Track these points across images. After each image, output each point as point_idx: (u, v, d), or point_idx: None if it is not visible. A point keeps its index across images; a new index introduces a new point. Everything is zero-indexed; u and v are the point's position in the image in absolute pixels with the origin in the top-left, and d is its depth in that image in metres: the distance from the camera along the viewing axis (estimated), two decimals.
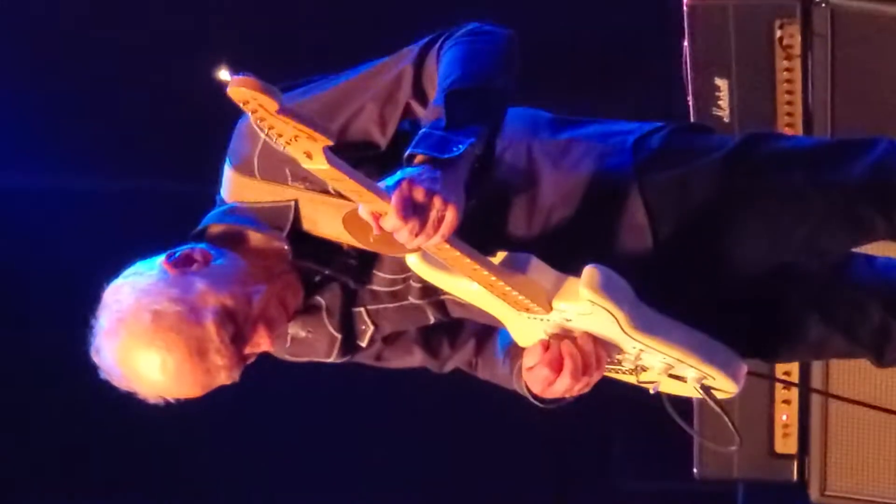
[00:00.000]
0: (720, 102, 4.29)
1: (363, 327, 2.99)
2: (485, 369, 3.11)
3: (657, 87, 4.87)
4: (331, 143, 2.44)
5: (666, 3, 4.35)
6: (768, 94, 4.28)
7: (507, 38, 2.85)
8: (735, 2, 4.18)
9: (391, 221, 2.55)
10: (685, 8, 4.21)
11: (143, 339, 2.74)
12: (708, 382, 2.93)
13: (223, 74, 2.34)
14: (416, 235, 2.56)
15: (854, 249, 3.09)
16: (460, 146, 2.62)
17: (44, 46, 5.37)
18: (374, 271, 2.92)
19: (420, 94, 2.81)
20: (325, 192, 2.81)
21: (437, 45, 2.83)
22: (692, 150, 2.93)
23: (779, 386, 4.54)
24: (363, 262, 2.90)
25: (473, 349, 3.10)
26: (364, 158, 2.76)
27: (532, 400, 2.96)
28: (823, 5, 4.09)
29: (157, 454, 5.51)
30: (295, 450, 5.56)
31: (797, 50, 4.20)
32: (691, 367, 2.89)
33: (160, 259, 2.83)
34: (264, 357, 2.94)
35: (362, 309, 2.96)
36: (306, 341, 3.01)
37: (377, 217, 2.59)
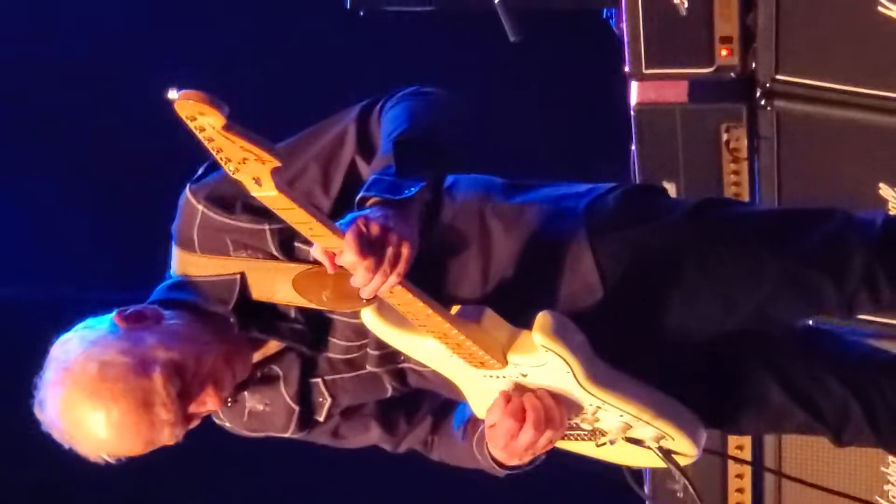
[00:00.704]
0: None
1: (320, 399, 2.96)
2: (441, 446, 3.08)
3: None
4: (279, 164, 2.39)
5: (614, 107, 4.39)
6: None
7: (449, 95, 2.87)
8: (682, 106, 4.23)
9: (347, 257, 2.52)
10: (632, 112, 4.25)
11: (88, 389, 2.70)
12: (666, 444, 2.90)
13: (171, 92, 2.28)
14: (374, 273, 2.53)
15: (816, 322, 3.09)
16: (412, 189, 2.61)
17: None
18: (329, 338, 2.89)
19: (364, 150, 2.80)
20: (271, 257, 2.80)
21: (380, 104, 2.84)
22: (646, 211, 2.93)
23: (732, 489, 4.53)
24: (316, 329, 2.87)
25: (430, 427, 3.07)
26: None
27: (494, 467, 2.93)
28: (769, 109, 4.13)
29: None
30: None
31: (744, 153, 4.24)
32: (648, 424, 2.85)
33: (111, 315, 2.79)
34: None
35: (319, 380, 2.93)
36: (263, 415, 2.98)
37: (332, 256, 2.56)
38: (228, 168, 2.39)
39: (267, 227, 2.78)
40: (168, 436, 2.74)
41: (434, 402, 3.05)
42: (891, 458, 4.31)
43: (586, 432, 2.90)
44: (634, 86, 4.23)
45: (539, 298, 2.80)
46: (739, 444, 4.44)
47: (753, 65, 4.13)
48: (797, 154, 4.17)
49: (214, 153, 2.37)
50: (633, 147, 4.31)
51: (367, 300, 2.65)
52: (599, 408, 2.82)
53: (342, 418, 3.03)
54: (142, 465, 2.84)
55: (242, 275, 2.82)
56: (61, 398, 2.73)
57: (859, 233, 2.91)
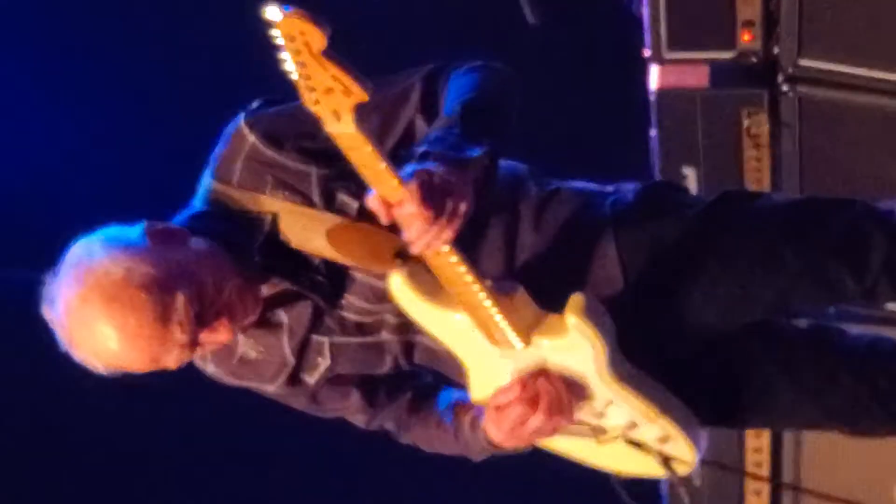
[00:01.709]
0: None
1: (319, 359, 2.91)
2: (416, 428, 3.03)
3: (624, 176, 4.88)
4: (366, 98, 2.35)
5: (634, 92, 4.36)
6: (736, 183, 4.29)
7: (513, 75, 2.88)
8: (702, 91, 4.21)
9: (408, 208, 2.49)
10: (653, 97, 4.23)
11: (110, 292, 2.63)
12: (669, 447, 2.89)
13: (272, 11, 2.23)
14: (431, 224, 2.50)
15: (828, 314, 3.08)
16: (475, 150, 2.61)
17: None
18: (347, 295, 2.85)
19: (426, 109, 2.79)
20: (309, 203, 2.78)
21: (448, 69, 2.83)
22: (668, 205, 2.94)
23: (749, 464, 4.53)
24: (336, 284, 2.84)
25: (407, 405, 3.02)
26: (354, 175, 2.63)
27: (483, 446, 2.91)
28: (791, 94, 4.11)
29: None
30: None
31: (765, 139, 4.22)
32: (654, 423, 2.85)
33: (140, 226, 2.72)
34: None
35: (326, 339, 2.89)
36: (254, 363, 2.92)
37: (388, 205, 2.52)
38: (311, 98, 2.35)
39: (315, 170, 2.75)
40: (175, 357, 2.68)
41: (416, 383, 3.02)
42: None
43: (590, 427, 2.89)
44: (655, 70, 4.21)
45: (560, 286, 2.78)
46: (757, 447, 4.43)
47: (776, 49, 4.11)
48: (819, 140, 4.15)
49: (303, 80, 2.31)
50: (653, 132, 4.29)
51: (403, 261, 2.63)
52: (611, 401, 2.82)
53: (326, 382, 2.96)
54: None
55: (274, 215, 2.78)
56: (77, 296, 2.65)
57: (879, 221, 2.90)
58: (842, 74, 4.04)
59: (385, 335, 2.88)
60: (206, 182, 2.84)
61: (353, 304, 2.85)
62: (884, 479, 4.38)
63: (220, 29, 5.02)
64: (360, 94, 2.34)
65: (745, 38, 4.12)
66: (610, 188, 3.00)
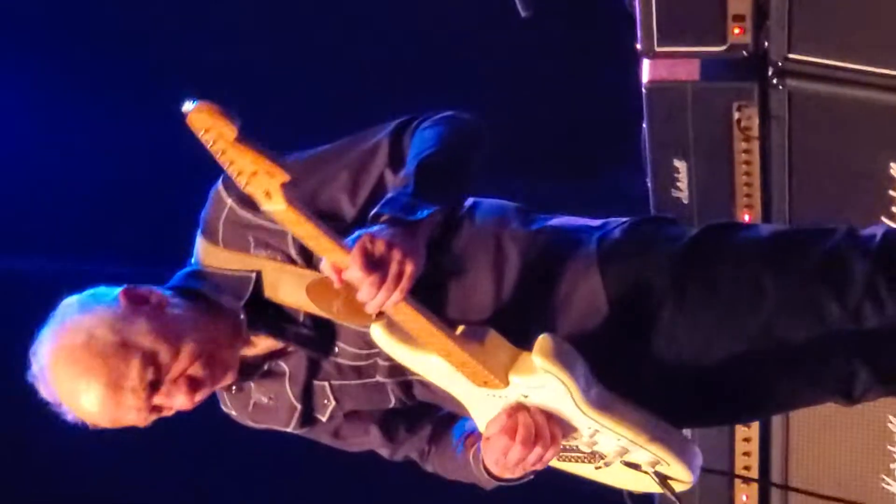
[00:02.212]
0: (679, 184, 4.32)
1: (325, 402, 3.02)
2: (436, 458, 3.14)
3: (616, 168, 4.90)
4: (288, 178, 2.48)
5: (625, 85, 4.38)
6: (727, 176, 4.31)
7: (480, 126, 2.96)
8: (693, 84, 4.21)
9: (352, 272, 2.61)
10: (644, 90, 4.24)
11: (73, 356, 2.81)
12: (662, 469, 2.94)
13: (185, 104, 2.37)
14: (377, 289, 2.62)
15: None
16: (424, 211, 2.71)
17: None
18: (339, 343, 2.95)
19: (395, 164, 2.88)
20: (289, 260, 2.87)
21: (415, 124, 2.93)
22: (654, 239, 2.99)
23: (738, 466, 4.55)
24: (326, 334, 2.94)
25: (428, 437, 3.14)
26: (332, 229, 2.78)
27: (486, 478, 2.99)
28: (781, 88, 4.12)
29: None
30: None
31: (755, 132, 4.23)
32: (644, 449, 2.90)
33: (120, 289, 2.88)
34: None
35: (326, 383, 3.00)
36: (267, 408, 3.05)
37: (339, 270, 2.64)
38: (241, 180, 2.48)
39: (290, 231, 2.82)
40: (134, 419, 2.86)
41: (435, 415, 3.11)
42: None
43: (585, 454, 2.96)
44: (646, 64, 4.21)
45: (547, 319, 2.89)
46: (747, 465, 4.46)
47: (766, 43, 4.12)
48: (809, 133, 4.16)
49: (226, 165, 2.45)
50: (644, 125, 4.30)
51: (376, 316, 2.73)
52: (597, 431, 2.88)
53: (345, 419, 3.09)
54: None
55: (258, 273, 2.90)
56: (49, 353, 2.85)
57: (860, 246, 2.94)
58: (831, 68, 4.05)
59: (380, 378, 2.98)
60: (198, 241, 2.97)
61: (346, 351, 2.96)
62: (871, 475, 4.40)
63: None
64: (282, 176, 2.48)
65: (736, 31, 4.13)
66: (597, 223, 3.05)
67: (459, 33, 5.23)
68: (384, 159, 2.89)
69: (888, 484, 4.37)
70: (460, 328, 2.81)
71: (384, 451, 3.16)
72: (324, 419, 3.05)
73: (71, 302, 2.90)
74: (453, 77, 4.99)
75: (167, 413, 2.90)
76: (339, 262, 2.63)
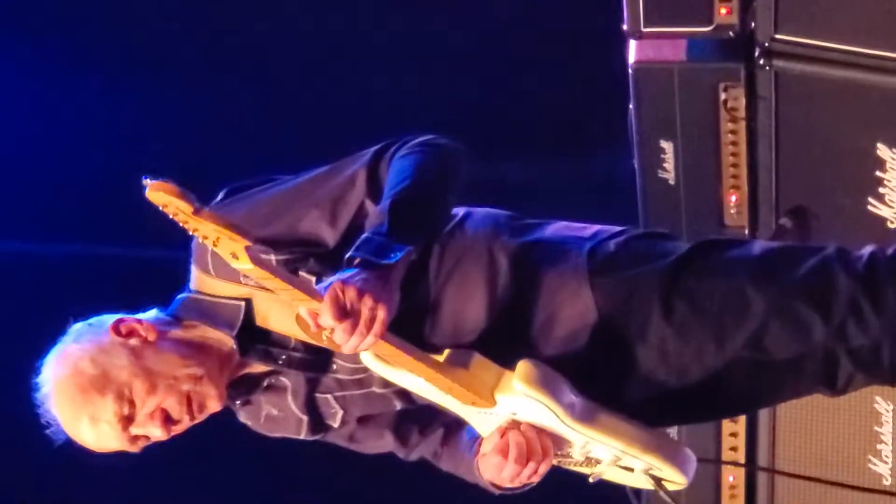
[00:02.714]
0: (665, 165, 4.32)
1: (332, 411, 3.09)
2: (448, 460, 3.18)
3: (603, 150, 4.89)
4: (249, 244, 2.60)
5: (611, 66, 4.37)
6: (713, 157, 4.31)
7: (456, 152, 3.00)
8: (680, 65, 4.21)
9: (325, 320, 2.70)
10: (630, 72, 4.24)
11: (63, 389, 2.98)
12: (655, 473, 3.00)
13: (144, 181, 2.52)
14: (350, 334, 2.70)
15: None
16: (398, 253, 2.76)
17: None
18: (336, 360, 3.02)
19: (373, 193, 2.94)
20: None
21: (392, 150, 2.97)
22: (646, 254, 3.02)
23: (726, 447, 4.55)
24: (319, 354, 3.00)
25: (440, 439, 3.18)
26: (313, 255, 2.91)
27: (488, 487, 3.05)
28: (767, 69, 4.12)
29: None
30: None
31: (742, 113, 4.23)
32: (635, 457, 2.96)
33: (113, 320, 3.02)
34: None
35: (329, 395, 3.06)
36: (277, 419, 3.13)
37: (315, 316, 2.72)
38: (208, 243, 2.60)
39: (273, 256, 2.90)
40: (117, 446, 3.00)
41: (447, 417, 3.13)
42: (884, 417, 4.32)
43: (581, 461, 3.01)
44: (633, 44, 4.21)
45: (538, 332, 2.95)
46: (733, 445, 4.47)
47: (752, 24, 4.12)
48: (795, 114, 4.16)
49: (191, 232, 2.58)
50: (631, 106, 4.29)
51: None
52: (588, 442, 2.94)
53: (358, 424, 3.16)
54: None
55: (248, 301, 2.98)
56: (47, 384, 3.01)
57: (846, 265, 2.96)
58: (817, 48, 4.05)
59: (376, 389, 3.04)
60: (192, 269, 3.05)
61: (343, 366, 3.02)
62: (858, 456, 4.41)
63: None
64: (244, 241, 2.61)
65: (722, 12, 4.12)
66: (588, 232, 3.08)
67: (448, 17, 5.21)
68: (362, 189, 2.95)
69: (875, 465, 4.38)
70: (445, 353, 2.89)
71: (399, 453, 3.23)
72: (336, 425, 3.12)
73: (73, 329, 3.04)
74: (442, 61, 4.98)
75: (157, 439, 3.01)
76: (315, 308, 2.72)
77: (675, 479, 3.01)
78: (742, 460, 4.58)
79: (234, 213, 2.87)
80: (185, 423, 3.00)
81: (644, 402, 2.98)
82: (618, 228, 3.11)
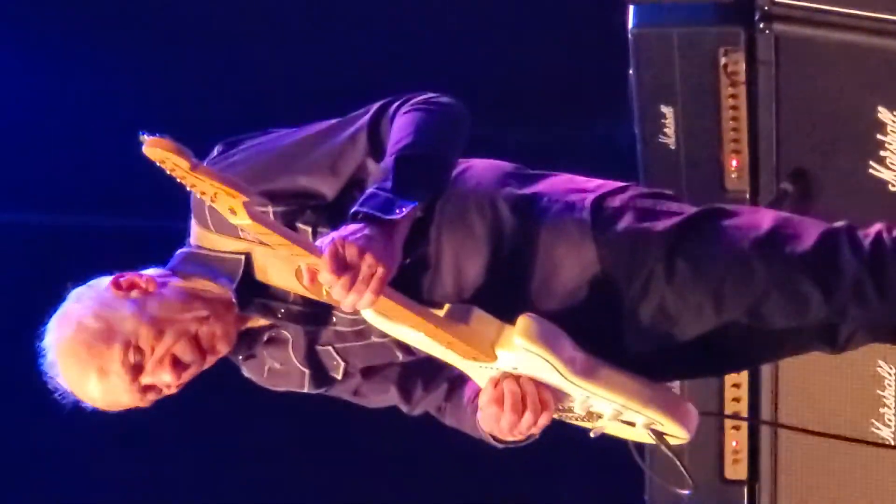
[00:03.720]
0: (666, 130, 4.31)
1: (334, 363, 3.09)
2: (452, 415, 3.20)
3: (603, 116, 4.89)
4: (247, 199, 2.59)
5: (611, 32, 4.36)
6: (714, 122, 4.30)
7: (459, 110, 2.99)
8: (679, 30, 4.20)
9: (324, 276, 2.69)
10: (630, 37, 4.23)
11: (68, 348, 2.98)
12: (657, 428, 3.00)
13: (141, 137, 2.52)
14: (348, 290, 2.69)
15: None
16: (403, 209, 2.75)
17: None
18: (335, 312, 3.01)
19: (374, 152, 2.93)
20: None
21: (393, 108, 2.96)
22: (652, 212, 3.01)
23: (729, 411, 4.56)
24: (319, 307, 3.00)
25: (444, 394, 3.19)
26: (311, 207, 2.92)
27: (490, 441, 3.06)
28: (767, 32, 4.11)
29: None
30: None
31: (742, 77, 4.22)
32: (637, 412, 2.96)
33: (111, 277, 3.04)
34: None
35: (329, 347, 3.06)
36: (280, 373, 3.14)
37: (313, 271, 2.73)
38: (206, 199, 2.60)
39: (271, 209, 2.91)
40: (129, 400, 3.00)
41: (451, 372, 3.13)
42: (886, 381, 4.33)
43: (582, 416, 3.00)
44: (632, 9, 4.20)
45: (541, 285, 2.94)
46: (736, 382, 4.47)
47: None
48: (796, 78, 4.15)
49: (189, 188, 2.57)
50: (631, 71, 4.28)
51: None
52: (589, 397, 2.93)
53: (363, 378, 3.16)
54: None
55: (248, 255, 2.98)
56: (52, 348, 3.01)
57: (852, 244, 2.96)
58: (818, 12, 4.04)
59: (375, 339, 3.03)
60: (191, 224, 3.05)
61: (342, 318, 3.02)
62: (862, 420, 4.41)
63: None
64: (241, 197, 2.59)
65: None
66: (592, 185, 3.07)
67: None
68: (363, 147, 2.94)
69: (878, 429, 4.38)
70: (446, 308, 2.88)
71: (403, 408, 3.23)
72: (339, 377, 3.12)
73: (72, 294, 3.04)
74: (440, 28, 4.97)
75: (167, 391, 3.01)
76: (313, 265, 2.72)
77: (677, 434, 3.00)
78: (745, 426, 4.60)
79: (232, 169, 2.89)
80: (196, 368, 2.99)
81: (644, 356, 2.98)
82: (622, 183, 3.10)
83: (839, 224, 3.01)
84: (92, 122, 5.37)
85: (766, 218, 3.05)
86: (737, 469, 4.63)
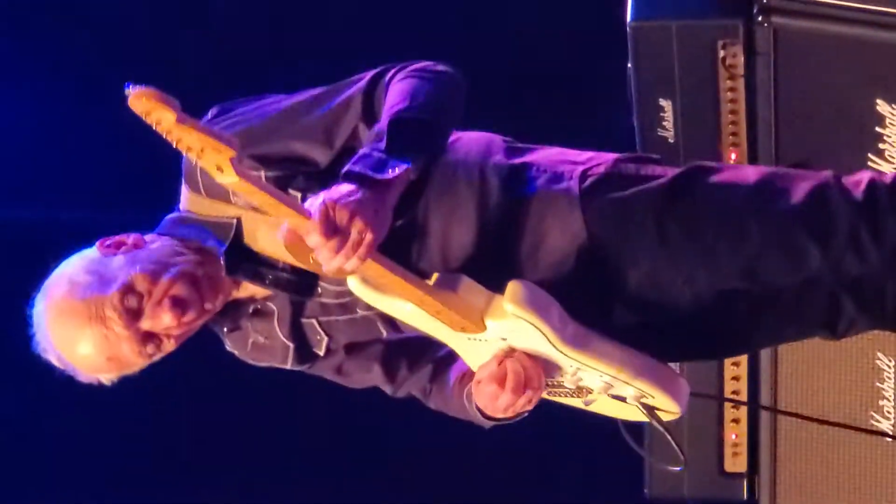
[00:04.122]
0: (665, 123, 4.30)
1: (317, 337, 3.06)
2: (437, 396, 3.17)
3: (601, 109, 4.88)
4: (235, 153, 2.53)
5: (609, 24, 4.35)
6: (712, 114, 4.29)
7: (455, 78, 2.97)
8: (678, 23, 4.19)
9: (313, 239, 2.66)
10: (628, 30, 4.22)
11: (59, 305, 2.92)
12: (648, 401, 2.96)
13: (126, 89, 2.44)
14: (335, 253, 2.65)
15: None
16: (395, 169, 2.73)
17: None
18: (321, 283, 2.98)
19: (368, 118, 2.90)
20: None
21: (389, 75, 2.93)
22: (637, 176, 2.99)
23: (728, 405, 4.56)
24: (305, 276, 2.97)
25: (430, 375, 3.16)
26: (303, 173, 2.89)
27: (481, 419, 3.03)
28: (766, 25, 4.10)
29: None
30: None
31: (740, 70, 4.21)
32: (627, 384, 2.92)
33: (96, 242, 2.98)
34: None
35: (314, 320, 3.03)
36: (264, 347, 3.10)
37: (295, 234, 2.69)
38: (191, 156, 2.53)
39: (263, 173, 2.88)
40: (128, 351, 2.91)
41: (436, 352, 3.12)
42: (885, 373, 4.33)
43: (571, 390, 2.97)
44: (630, 2, 4.19)
45: (529, 256, 2.91)
46: (735, 363, 4.47)
47: None
48: (794, 70, 4.14)
49: (175, 143, 2.51)
50: (629, 64, 4.28)
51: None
52: (579, 368, 2.90)
53: (347, 355, 3.13)
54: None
55: (238, 220, 2.94)
56: (43, 311, 2.95)
57: (844, 193, 2.94)
58: (817, 4, 4.02)
59: (360, 312, 3.00)
60: (182, 188, 3.02)
61: (328, 290, 2.99)
62: (860, 412, 4.41)
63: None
64: (228, 152, 2.53)
65: None
66: (583, 157, 3.05)
67: None
68: (357, 113, 2.91)
69: (878, 421, 4.38)
70: (434, 276, 2.84)
71: (387, 389, 3.19)
72: (321, 353, 3.09)
73: (65, 261, 3.00)
74: (436, 17, 4.97)
75: (166, 345, 2.95)
76: (299, 226, 2.68)
77: (669, 408, 2.98)
78: (744, 419, 4.60)
79: (228, 124, 2.88)
80: (194, 313, 2.94)
81: (637, 332, 2.96)
82: (609, 155, 3.08)
83: (826, 174, 2.99)
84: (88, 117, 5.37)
85: (750, 173, 3.04)
86: (736, 462, 4.63)
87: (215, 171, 2.58)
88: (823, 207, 2.93)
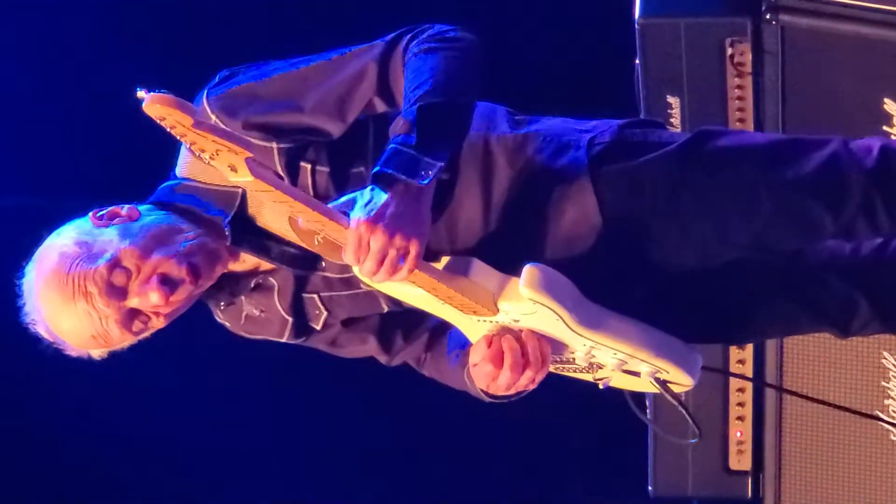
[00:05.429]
0: (672, 120, 4.31)
1: (316, 312, 3.00)
2: (432, 365, 3.12)
3: (609, 106, 4.87)
4: (250, 155, 2.50)
5: (618, 22, 4.36)
6: (720, 112, 4.29)
7: (473, 45, 2.87)
8: (686, 20, 4.19)
9: (349, 257, 2.64)
10: (637, 27, 4.22)
11: (47, 277, 2.83)
12: (662, 376, 2.94)
13: (140, 93, 2.42)
14: (376, 272, 2.63)
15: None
16: (430, 171, 2.65)
17: None
18: (325, 259, 2.92)
19: (384, 92, 2.83)
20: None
21: (403, 44, 2.84)
22: (645, 143, 2.94)
23: (733, 403, 4.56)
24: (307, 251, 2.89)
25: (425, 344, 3.11)
26: (315, 143, 2.81)
27: (483, 396, 2.98)
28: (774, 23, 4.10)
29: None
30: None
31: (748, 68, 4.22)
32: (643, 361, 2.90)
33: (89, 213, 2.90)
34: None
35: (315, 295, 2.98)
36: (260, 320, 3.03)
37: (308, 231, 2.67)
38: (203, 157, 2.52)
39: (275, 144, 2.81)
40: (114, 329, 2.83)
41: (431, 321, 3.07)
42: (891, 372, 4.33)
43: (583, 367, 2.95)
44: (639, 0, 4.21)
45: (538, 232, 2.85)
46: (741, 359, 4.46)
47: None
48: (802, 69, 4.14)
49: (189, 145, 2.49)
50: (637, 61, 4.28)
51: None
52: (593, 347, 2.87)
53: (342, 328, 3.07)
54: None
55: (244, 190, 2.85)
56: (34, 283, 2.87)
57: (856, 160, 2.91)
58: (825, 3, 4.03)
59: (364, 287, 2.92)
60: (182, 152, 2.93)
61: (332, 265, 2.92)
62: (869, 380, 4.41)
63: None
64: (244, 153, 2.51)
65: None
66: (587, 126, 2.99)
67: None
68: (372, 85, 2.83)
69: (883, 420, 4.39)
70: (444, 260, 2.80)
71: (381, 359, 3.14)
72: (318, 328, 3.03)
73: (57, 230, 2.91)
74: (442, 14, 4.95)
75: (154, 323, 2.87)
76: (323, 224, 2.65)
77: (682, 381, 2.96)
78: (749, 417, 4.60)
79: (234, 100, 2.80)
80: (184, 292, 2.84)
81: (648, 304, 2.92)
82: (613, 121, 3.02)
83: (834, 140, 2.96)
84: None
85: (760, 139, 3.02)
86: (741, 460, 4.64)
87: (229, 172, 2.55)
88: (836, 174, 2.89)
